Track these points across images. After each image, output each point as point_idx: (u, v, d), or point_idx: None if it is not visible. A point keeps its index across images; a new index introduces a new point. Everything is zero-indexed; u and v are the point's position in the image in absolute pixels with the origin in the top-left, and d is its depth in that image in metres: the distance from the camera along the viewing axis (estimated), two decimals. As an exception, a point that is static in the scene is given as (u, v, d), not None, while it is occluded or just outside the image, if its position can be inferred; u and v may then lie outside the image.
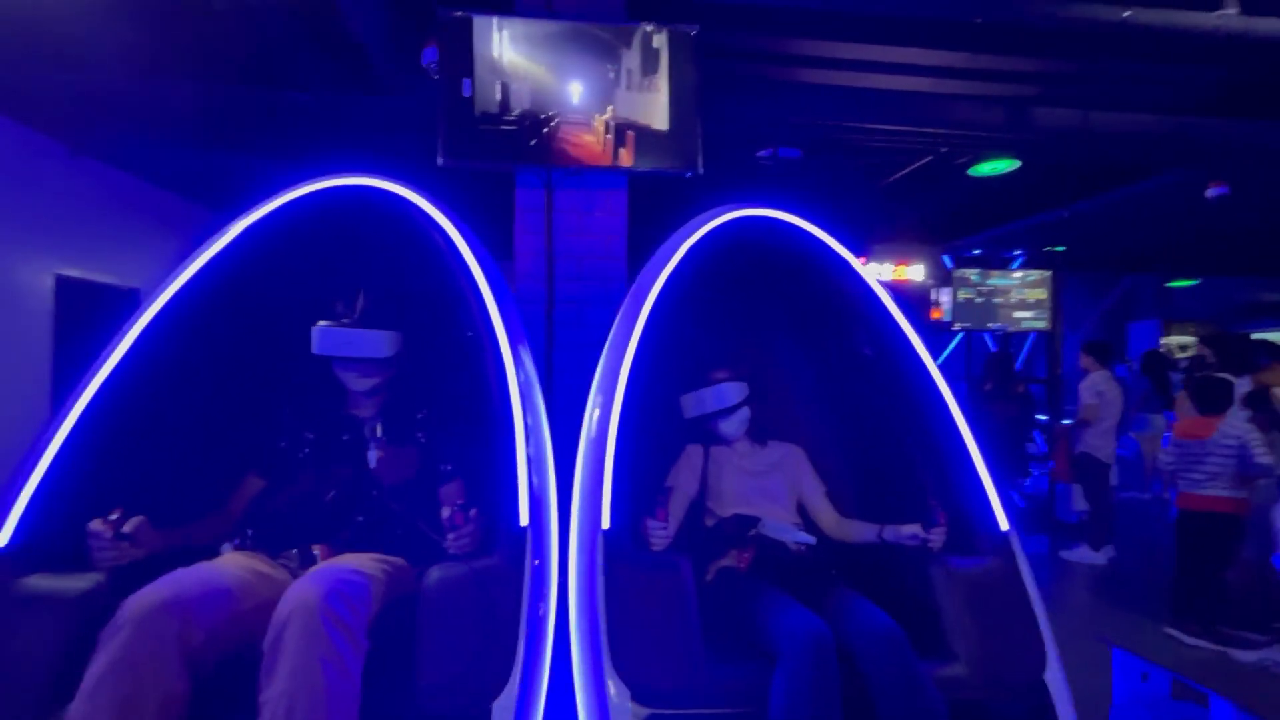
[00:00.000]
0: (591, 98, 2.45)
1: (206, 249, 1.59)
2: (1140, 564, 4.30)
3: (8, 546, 1.24)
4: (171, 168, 4.55)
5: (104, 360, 1.44)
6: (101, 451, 1.39)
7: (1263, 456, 2.95)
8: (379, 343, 1.58)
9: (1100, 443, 4.36)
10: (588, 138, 2.44)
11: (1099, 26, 2.46)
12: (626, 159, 2.44)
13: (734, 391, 1.90)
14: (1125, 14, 2.42)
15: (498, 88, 2.40)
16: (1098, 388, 4.38)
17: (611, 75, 2.45)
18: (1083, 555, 4.37)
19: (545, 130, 2.41)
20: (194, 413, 1.62)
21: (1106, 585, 3.96)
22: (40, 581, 1.22)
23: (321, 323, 1.57)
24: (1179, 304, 9.27)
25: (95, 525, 1.25)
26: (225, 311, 1.63)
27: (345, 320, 1.57)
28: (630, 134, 2.45)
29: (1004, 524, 1.64)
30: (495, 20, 2.37)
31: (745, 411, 1.93)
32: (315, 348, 1.56)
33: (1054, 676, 1.47)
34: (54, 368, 3.87)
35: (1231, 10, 2.47)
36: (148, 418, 1.49)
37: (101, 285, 4.28)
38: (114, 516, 1.25)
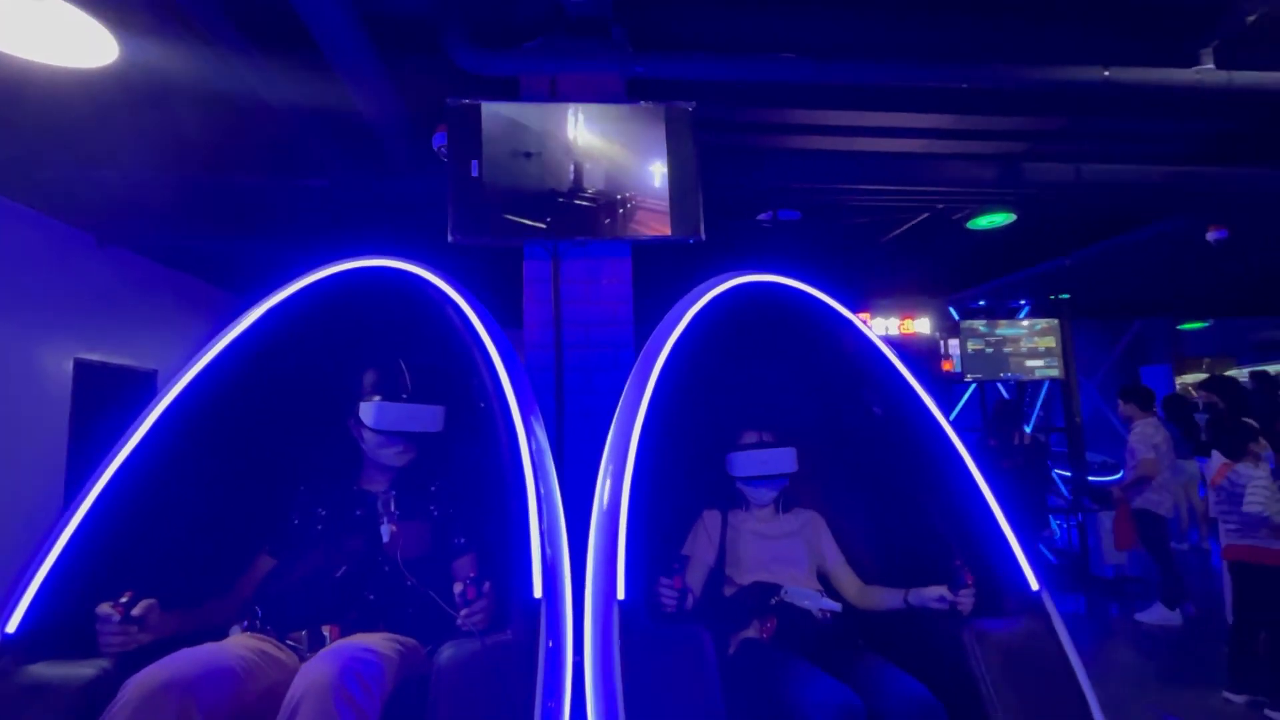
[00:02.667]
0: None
1: (225, 335, 1.63)
2: (1195, 622, 4.04)
3: (16, 633, 1.24)
4: (194, 253, 4.72)
5: (120, 446, 1.46)
6: (113, 535, 1.39)
7: (1251, 504, 2.82)
8: (435, 417, 1.64)
9: (1158, 496, 4.09)
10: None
11: (1081, 87, 2.55)
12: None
13: (790, 458, 1.88)
14: (1105, 73, 2.52)
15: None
16: (1151, 439, 4.14)
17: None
18: (1159, 616, 4.05)
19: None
20: (206, 493, 1.63)
21: (1155, 646, 3.74)
22: (46, 670, 1.21)
23: (375, 398, 1.61)
24: (1192, 346, 9.19)
25: (104, 609, 1.24)
26: (239, 392, 1.66)
27: (404, 395, 1.62)
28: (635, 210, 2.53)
29: (1034, 583, 1.58)
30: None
31: (786, 480, 1.90)
32: (374, 423, 1.60)
33: (1101, 748, 1.38)
34: (69, 449, 3.91)
35: (1209, 65, 2.56)
36: (160, 500, 1.50)
37: (119, 367, 4.38)
38: (124, 600, 1.25)
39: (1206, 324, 8.79)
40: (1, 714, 1.15)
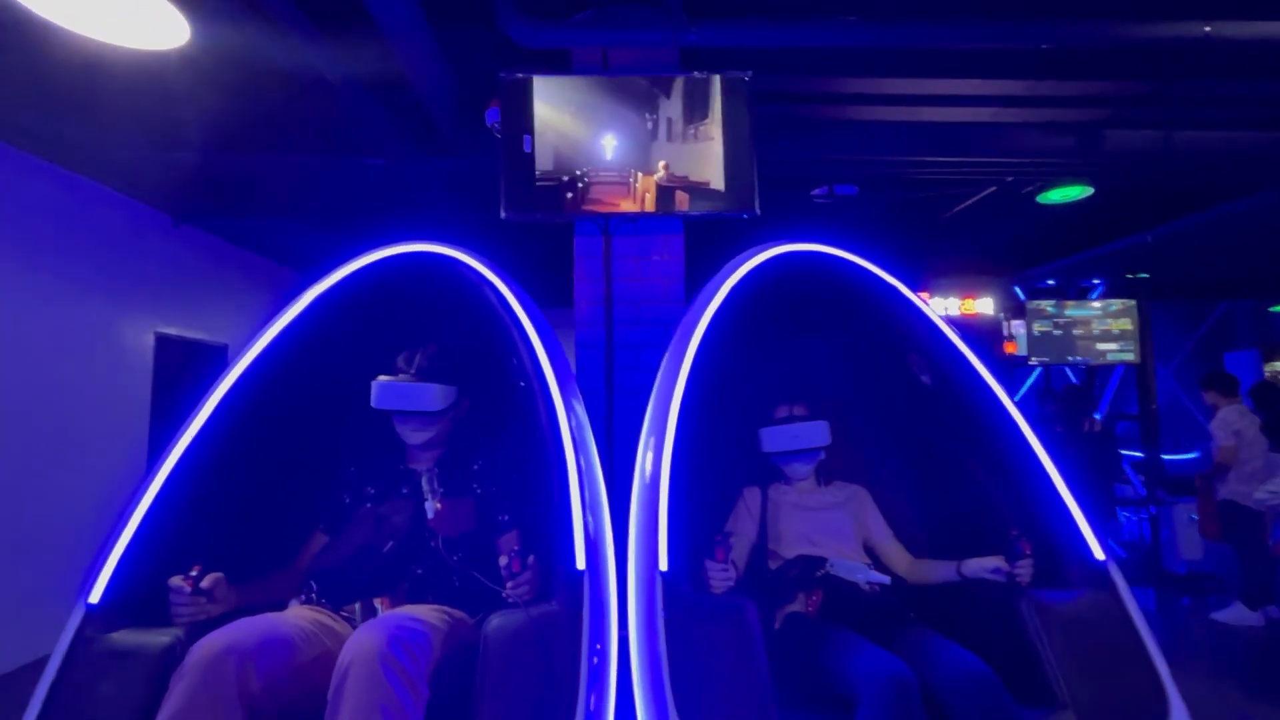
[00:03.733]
0: (629, 152, 2.44)
1: (279, 319, 1.68)
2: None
3: (99, 604, 1.32)
4: (259, 232, 4.91)
5: (186, 427, 1.52)
6: (183, 511, 1.46)
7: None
8: (432, 396, 1.64)
9: (1246, 488, 3.81)
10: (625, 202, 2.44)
11: (1178, 44, 2.34)
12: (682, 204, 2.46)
13: (822, 431, 1.84)
14: (1206, 28, 2.30)
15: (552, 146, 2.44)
16: (1233, 425, 3.90)
17: (650, 126, 2.45)
18: (1238, 615, 3.79)
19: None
20: (267, 472, 1.69)
21: (1234, 647, 3.49)
22: (126, 637, 1.28)
23: (381, 378, 1.64)
24: (1282, 331, 8.51)
25: (175, 581, 1.31)
26: (293, 375, 1.71)
27: (402, 375, 1.64)
28: (680, 192, 2.46)
29: (1099, 553, 1.49)
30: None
31: (821, 453, 1.86)
32: (373, 401, 1.63)
33: (1181, 725, 1.29)
34: (152, 419, 4.17)
35: (1322, 17, 2.31)
36: (226, 479, 1.56)
37: (194, 341, 4.62)
38: (194, 573, 1.31)
39: (1303, 306, 8.11)
40: (88, 678, 1.23)
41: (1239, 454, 3.85)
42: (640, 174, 2.47)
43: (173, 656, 1.24)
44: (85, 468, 3.66)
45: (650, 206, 2.46)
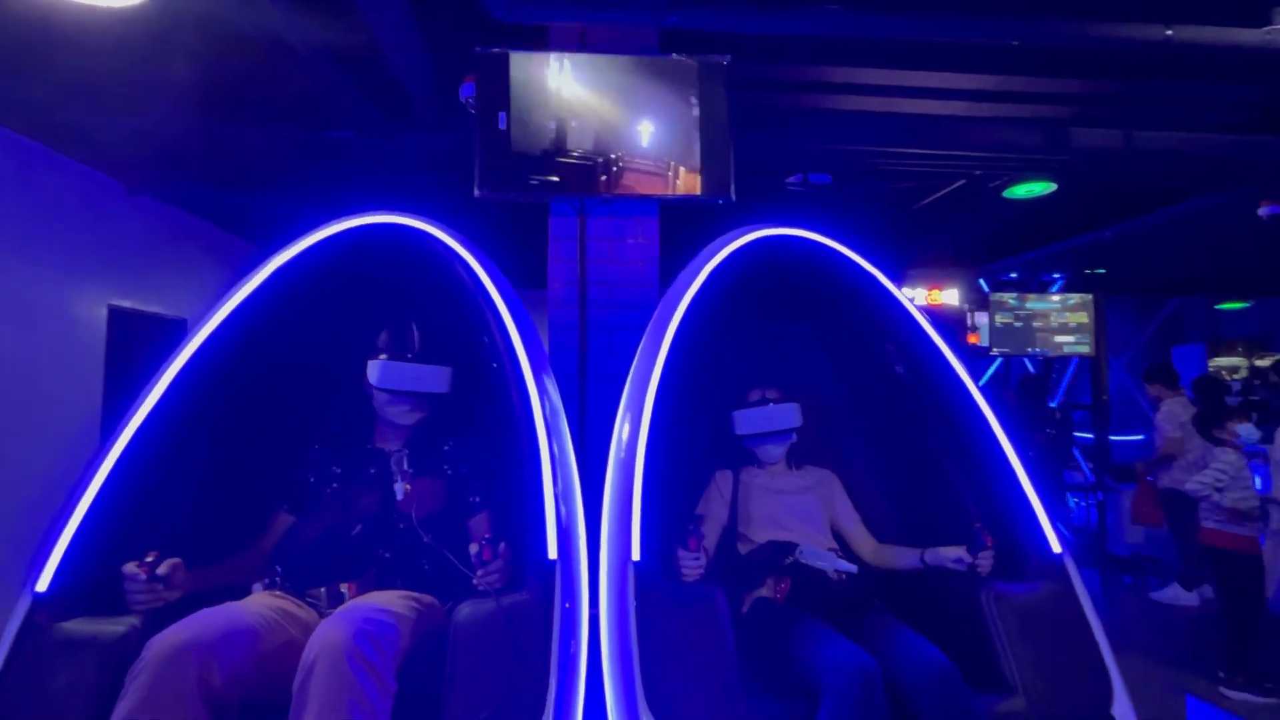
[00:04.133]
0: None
1: (238, 290, 1.62)
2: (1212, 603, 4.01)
3: (47, 591, 1.26)
4: (218, 203, 4.74)
5: (140, 402, 1.46)
6: (137, 493, 1.41)
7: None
8: (441, 378, 1.63)
9: (1187, 476, 4.01)
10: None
11: (1140, 46, 2.40)
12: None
13: (794, 414, 1.87)
14: (1168, 32, 2.37)
15: (552, 126, 2.36)
16: (1179, 418, 4.08)
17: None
18: (1174, 595, 4.04)
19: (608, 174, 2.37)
20: (225, 451, 1.64)
21: (1171, 625, 3.72)
22: (78, 626, 1.23)
23: (382, 357, 1.60)
24: (1228, 327, 8.90)
25: (130, 568, 1.26)
26: (254, 350, 1.66)
27: (409, 356, 1.61)
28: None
29: (1056, 546, 1.56)
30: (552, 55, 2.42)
31: (792, 435, 1.89)
32: (378, 381, 1.59)
33: (1122, 712, 1.37)
34: (105, 394, 4.02)
35: None
36: (181, 459, 1.51)
37: (150, 315, 4.45)
38: (149, 559, 1.27)
39: (1247, 304, 8.49)
40: (37, 669, 1.18)
41: (1183, 444, 4.03)
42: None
43: (128, 645, 1.20)
44: (34, 446, 3.52)
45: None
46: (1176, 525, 4.12)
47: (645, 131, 2.40)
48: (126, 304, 4.22)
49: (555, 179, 2.39)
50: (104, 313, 4.04)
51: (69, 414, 3.80)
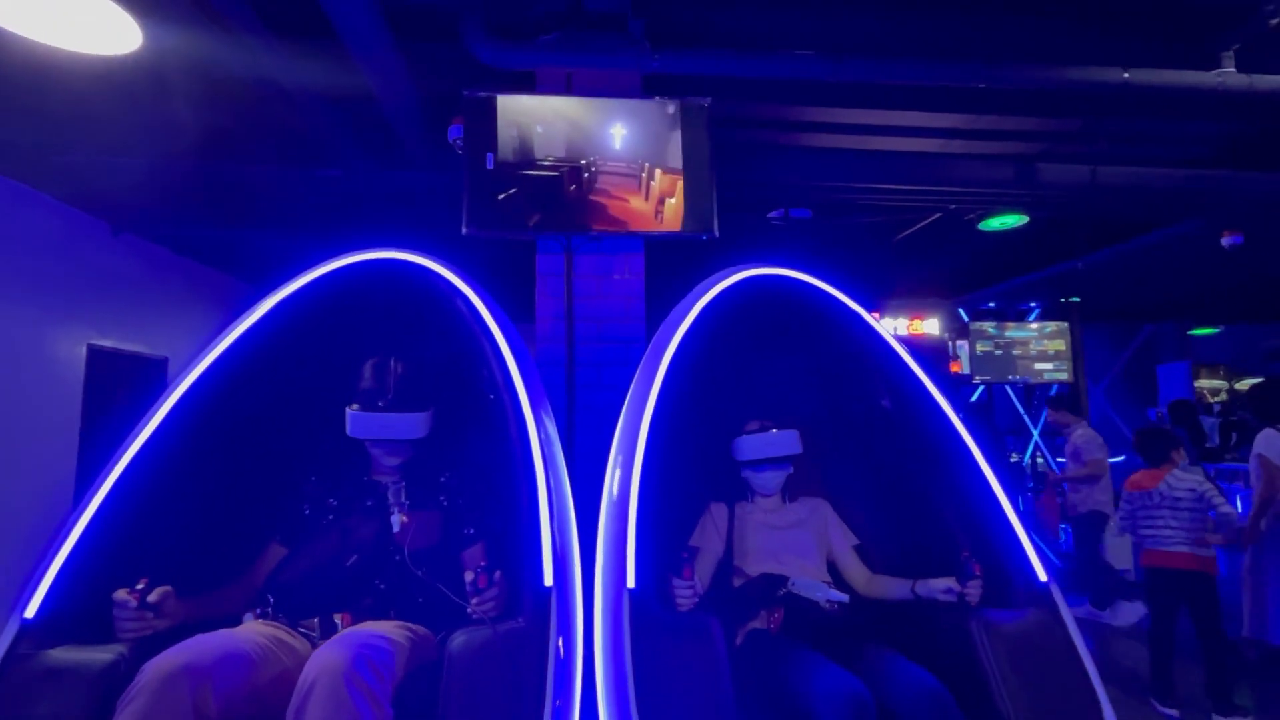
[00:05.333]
0: (637, 142, 2.38)
1: (238, 325, 1.64)
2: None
3: (35, 618, 1.25)
4: (207, 242, 4.75)
5: (134, 435, 1.46)
6: (129, 522, 1.40)
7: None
8: (414, 425, 1.62)
9: (1106, 497, 4.29)
10: (634, 200, 2.40)
11: (1099, 88, 2.53)
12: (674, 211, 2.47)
13: (795, 440, 1.89)
14: (1125, 75, 2.50)
15: (524, 133, 2.38)
16: (1097, 440, 4.32)
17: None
18: (1086, 613, 4.23)
19: (582, 179, 2.39)
20: (219, 483, 1.64)
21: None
22: (64, 654, 1.22)
23: (354, 407, 1.60)
24: (1202, 352, 9.12)
25: (120, 595, 1.25)
26: (251, 383, 1.67)
27: (380, 404, 1.60)
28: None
29: (1042, 575, 1.58)
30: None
31: (790, 466, 1.91)
32: (351, 432, 1.59)
33: (1112, 740, 1.38)
34: (81, 434, 3.95)
35: (1230, 68, 2.54)
36: (174, 489, 1.51)
37: (131, 354, 4.41)
38: (140, 587, 1.26)
39: (1218, 330, 8.72)
40: (21, 697, 1.16)
41: (1106, 466, 4.25)
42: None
43: (116, 674, 1.19)
44: (9, 483, 3.44)
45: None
46: (1083, 546, 4.33)
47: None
48: (107, 343, 4.18)
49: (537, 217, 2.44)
50: (83, 351, 4.00)
51: (44, 452, 3.72)
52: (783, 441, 1.88)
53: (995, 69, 2.51)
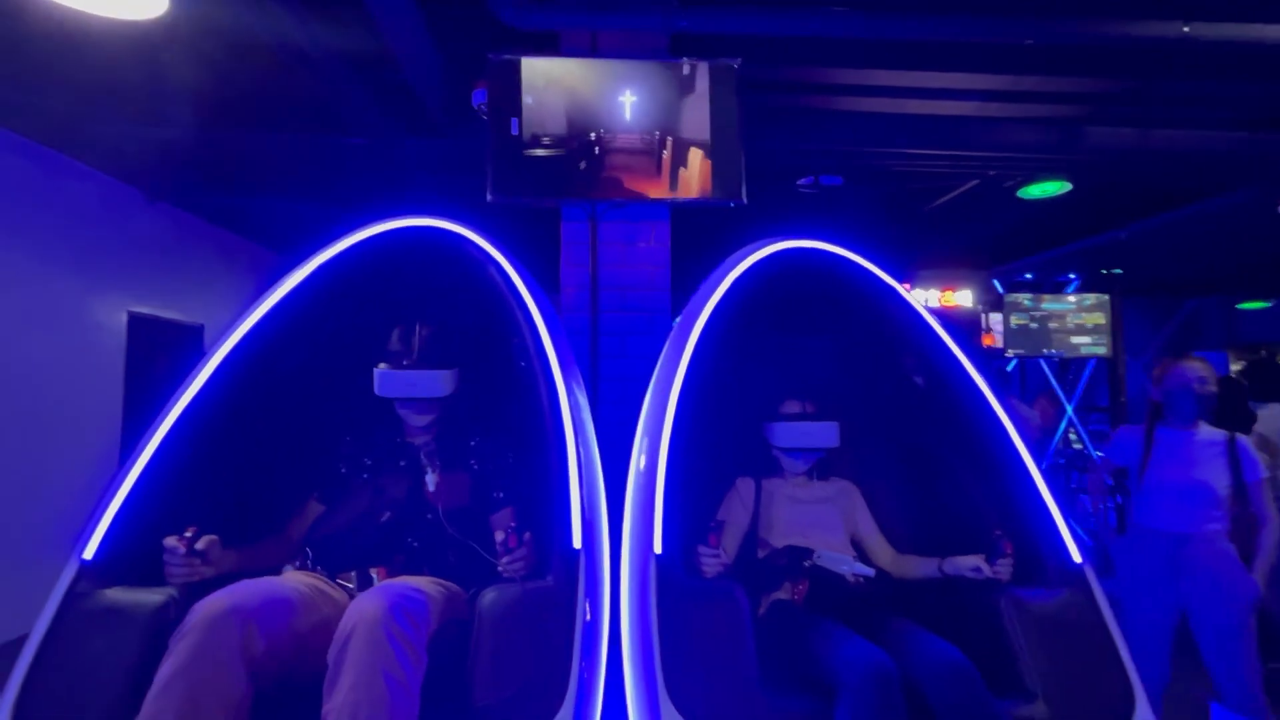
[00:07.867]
0: (646, 113, 2.30)
1: (276, 289, 1.67)
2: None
3: (92, 560, 1.32)
4: (235, 210, 4.81)
5: (181, 392, 1.52)
6: (177, 475, 1.46)
7: None
8: (437, 383, 1.63)
9: None
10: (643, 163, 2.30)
11: (1157, 43, 2.38)
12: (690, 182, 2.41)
13: (834, 434, 1.83)
14: (1185, 28, 2.34)
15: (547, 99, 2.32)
16: None
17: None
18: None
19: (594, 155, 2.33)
20: (261, 441, 1.69)
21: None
22: (119, 594, 1.29)
23: (381, 366, 1.62)
24: (1247, 327, 8.75)
25: (170, 541, 1.31)
26: (289, 347, 1.71)
27: (405, 363, 1.62)
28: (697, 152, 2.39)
29: (1076, 555, 1.55)
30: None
31: (823, 453, 1.89)
32: (377, 390, 1.61)
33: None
34: (125, 398, 4.09)
35: (1298, 21, 2.37)
36: (219, 446, 1.56)
37: (169, 321, 4.52)
38: (188, 534, 1.32)
39: (1268, 304, 8.34)
40: (81, 632, 1.23)
41: None
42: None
43: (166, 616, 1.25)
44: (55, 448, 3.58)
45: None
46: None
47: (627, 103, 2.33)
48: (145, 310, 4.29)
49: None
50: (124, 319, 4.11)
51: (90, 417, 3.87)
52: (822, 434, 1.83)
53: (1042, 24, 2.38)
